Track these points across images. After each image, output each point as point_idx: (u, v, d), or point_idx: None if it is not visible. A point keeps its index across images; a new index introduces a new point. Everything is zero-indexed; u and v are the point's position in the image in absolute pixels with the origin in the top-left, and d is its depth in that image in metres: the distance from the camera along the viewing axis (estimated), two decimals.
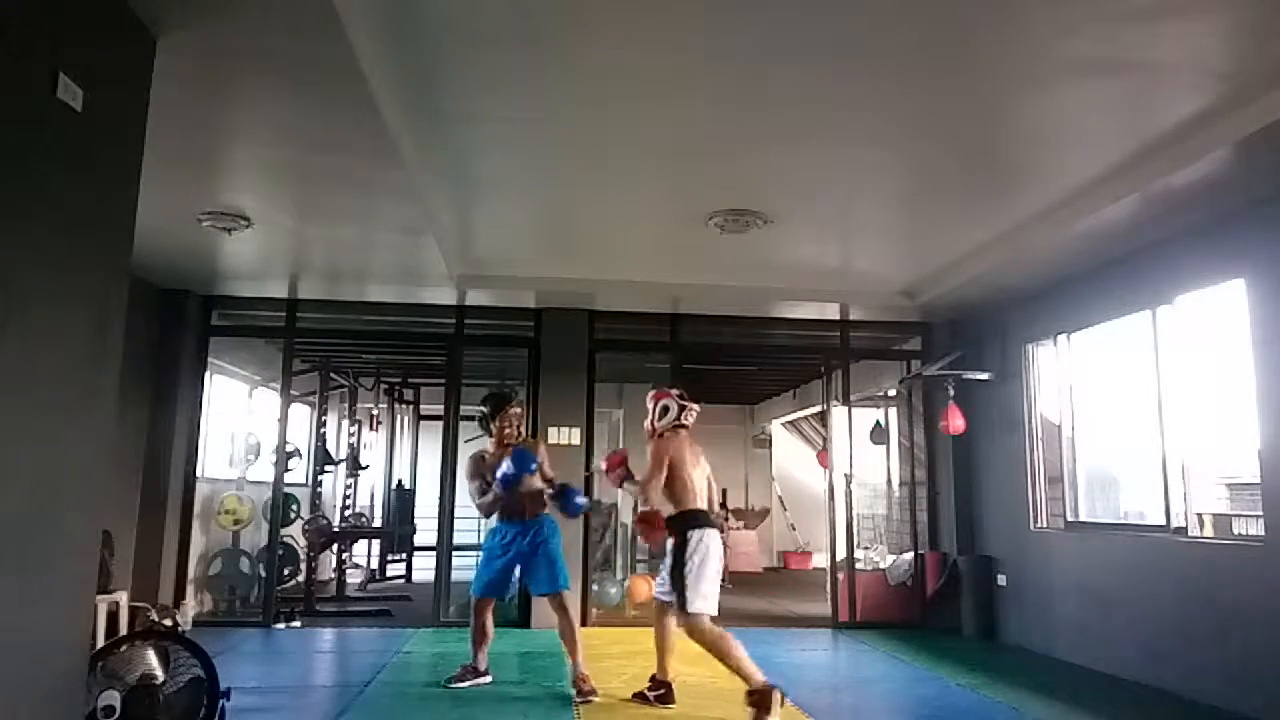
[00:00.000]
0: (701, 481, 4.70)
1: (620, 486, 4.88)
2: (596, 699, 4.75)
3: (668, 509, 4.59)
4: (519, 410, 5.36)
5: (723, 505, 5.93)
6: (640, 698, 4.75)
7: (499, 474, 4.92)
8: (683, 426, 4.80)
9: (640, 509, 4.82)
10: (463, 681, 5.04)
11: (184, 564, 7.04)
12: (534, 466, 4.95)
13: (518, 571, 5.14)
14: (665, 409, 4.80)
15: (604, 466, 4.97)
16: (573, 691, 4.84)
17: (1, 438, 2.30)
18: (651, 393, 4.92)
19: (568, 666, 5.08)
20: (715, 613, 4.42)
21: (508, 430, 5.23)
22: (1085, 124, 4.04)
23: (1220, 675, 4.83)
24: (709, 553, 4.47)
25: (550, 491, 5.16)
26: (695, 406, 4.87)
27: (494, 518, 5.23)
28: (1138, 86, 3.67)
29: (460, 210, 5.47)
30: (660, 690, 4.72)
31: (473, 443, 6.49)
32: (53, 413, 2.53)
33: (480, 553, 5.33)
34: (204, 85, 3.55)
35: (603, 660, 5.70)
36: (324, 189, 4.86)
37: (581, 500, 5.36)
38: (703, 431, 5.08)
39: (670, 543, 4.55)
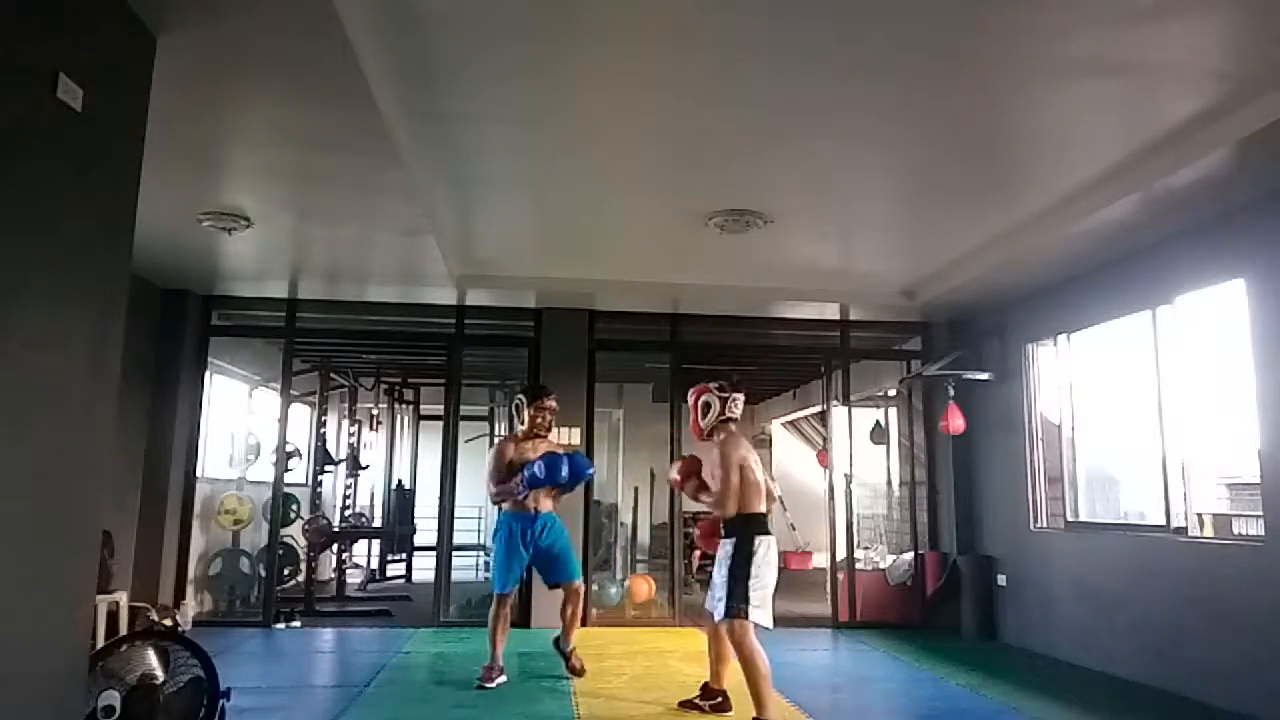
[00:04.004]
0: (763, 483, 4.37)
1: (696, 498, 4.47)
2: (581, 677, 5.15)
3: (729, 510, 4.24)
4: (554, 404, 5.34)
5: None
6: (689, 705, 4.52)
7: (527, 473, 4.97)
8: (730, 420, 4.43)
9: (702, 519, 4.62)
10: (492, 680, 5.00)
11: (184, 564, 7.03)
12: (564, 479, 5.06)
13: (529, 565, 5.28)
14: (707, 406, 4.42)
15: (676, 478, 4.62)
16: (562, 658, 5.24)
17: (2, 438, 2.30)
18: (690, 392, 4.57)
19: (559, 641, 5.31)
20: (771, 626, 4.14)
21: (539, 420, 5.24)
22: (1085, 124, 4.04)
23: (1220, 675, 4.83)
24: (770, 563, 4.20)
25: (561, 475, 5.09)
26: (740, 395, 4.49)
27: (503, 508, 5.32)
28: (1138, 86, 3.67)
29: (460, 210, 5.46)
30: (716, 699, 4.48)
31: (473, 443, 6.49)
32: (53, 413, 2.53)
33: (495, 548, 5.29)
34: (204, 85, 3.56)
35: (603, 660, 5.72)
36: (324, 189, 4.86)
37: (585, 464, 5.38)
38: None
39: (729, 545, 4.21)
